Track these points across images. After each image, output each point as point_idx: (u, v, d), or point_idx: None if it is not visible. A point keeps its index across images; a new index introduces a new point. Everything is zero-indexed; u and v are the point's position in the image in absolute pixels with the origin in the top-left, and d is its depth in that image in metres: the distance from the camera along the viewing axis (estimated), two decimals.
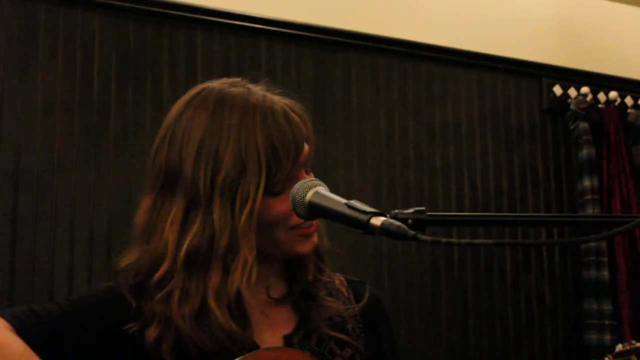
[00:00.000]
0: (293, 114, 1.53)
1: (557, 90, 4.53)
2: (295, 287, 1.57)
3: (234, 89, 1.55)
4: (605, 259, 4.32)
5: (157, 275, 1.47)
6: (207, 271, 1.46)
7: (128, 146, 3.58)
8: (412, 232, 1.21)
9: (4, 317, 1.43)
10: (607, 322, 4.24)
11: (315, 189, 1.37)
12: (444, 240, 1.16)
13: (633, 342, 1.74)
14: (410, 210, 1.27)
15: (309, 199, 1.36)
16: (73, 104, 3.51)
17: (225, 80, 1.60)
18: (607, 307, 4.26)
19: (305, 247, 1.54)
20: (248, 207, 1.44)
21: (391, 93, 4.19)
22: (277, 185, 1.48)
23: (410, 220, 1.25)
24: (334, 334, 1.60)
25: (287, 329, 1.59)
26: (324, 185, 1.40)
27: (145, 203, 1.56)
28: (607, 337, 4.22)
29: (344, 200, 1.32)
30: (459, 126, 4.33)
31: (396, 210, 1.28)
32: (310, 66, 3.88)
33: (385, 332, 1.73)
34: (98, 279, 3.41)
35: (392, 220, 1.23)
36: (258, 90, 1.56)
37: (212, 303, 1.45)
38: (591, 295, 4.30)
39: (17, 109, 3.41)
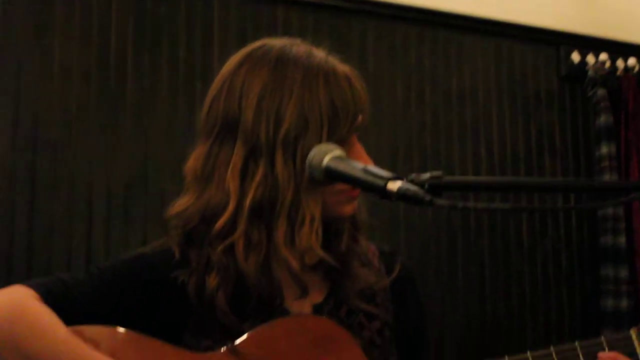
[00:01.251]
0: (354, 80, 1.54)
1: (575, 57, 4.49)
2: (329, 256, 1.56)
3: (295, 48, 1.56)
4: (623, 225, 4.30)
5: (220, 223, 1.47)
6: (272, 223, 1.47)
7: (145, 112, 3.58)
8: (428, 197, 1.21)
9: (32, 287, 1.44)
10: (623, 288, 4.24)
11: (332, 154, 1.37)
12: (460, 204, 1.16)
13: None
14: (427, 175, 1.28)
15: (326, 164, 1.36)
16: (90, 69, 3.51)
17: (284, 39, 1.60)
18: (624, 273, 4.25)
19: (347, 210, 1.54)
20: None
21: (408, 60, 4.17)
22: None
23: (426, 185, 1.26)
24: (363, 306, 1.60)
25: (318, 298, 1.59)
26: (342, 150, 1.40)
27: (198, 151, 1.56)
28: (624, 303, 4.22)
29: (361, 165, 1.32)
30: (476, 93, 4.31)
31: (413, 175, 1.28)
32: (326, 34, 3.87)
33: (414, 305, 1.73)
34: (116, 243, 3.43)
35: (408, 185, 1.24)
36: (320, 52, 1.57)
37: (285, 253, 1.46)
38: (608, 261, 4.29)
39: (34, 74, 3.42)
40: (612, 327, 4.18)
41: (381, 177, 1.27)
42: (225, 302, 1.47)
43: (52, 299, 1.43)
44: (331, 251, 1.55)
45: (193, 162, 1.56)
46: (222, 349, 1.47)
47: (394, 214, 3.96)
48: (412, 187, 1.23)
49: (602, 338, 1.61)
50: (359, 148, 1.55)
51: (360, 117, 1.53)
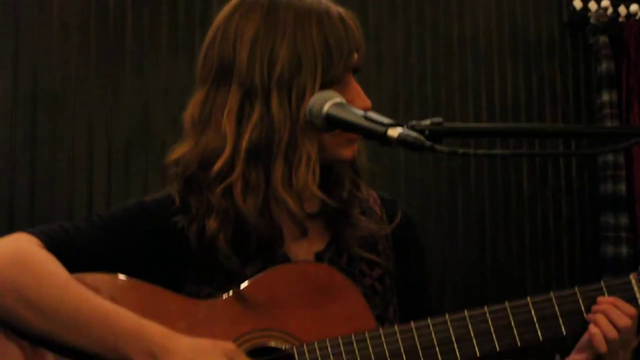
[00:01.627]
0: (348, 19, 1.54)
1: (577, 3, 4.45)
2: (330, 204, 1.56)
3: None
4: (623, 172, 4.31)
5: (217, 166, 1.48)
6: (270, 164, 1.48)
7: (144, 67, 3.58)
8: (429, 143, 1.21)
9: (34, 234, 1.45)
10: (623, 234, 4.25)
11: (332, 101, 1.36)
12: (460, 150, 1.16)
13: None
14: (427, 122, 1.28)
15: (326, 111, 1.36)
16: (89, 25, 3.50)
17: None
18: (624, 220, 4.26)
19: (347, 153, 1.55)
20: (305, 102, 1.45)
21: (408, 9, 4.15)
22: (328, 86, 1.48)
23: (427, 131, 1.26)
24: (364, 254, 1.61)
25: (319, 246, 1.60)
26: (342, 97, 1.39)
27: (196, 97, 1.57)
28: (624, 250, 4.23)
29: (361, 112, 1.32)
30: (477, 41, 4.29)
31: (413, 122, 1.28)
32: None
33: (415, 252, 1.74)
34: (116, 198, 3.45)
35: (409, 131, 1.24)
36: None
37: (282, 194, 1.47)
38: (608, 208, 4.30)
39: (33, 30, 3.41)
40: (612, 274, 4.19)
41: (382, 124, 1.27)
42: (227, 245, 1.48)
43: (54, 246, 1.45)
44: (332, 198, 1.56)
45: (191, 109, 1.57)
46: (225, 295, 1.48)
47: (395, 162, 3.97)
48: (413, 133, 1.23)
49: (602, 283, 1.61)
50: (355, 87, 1.55)
51: (355, 56, 1.53)
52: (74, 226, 1.50)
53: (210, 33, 1.59)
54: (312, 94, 1.45)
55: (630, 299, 1.61)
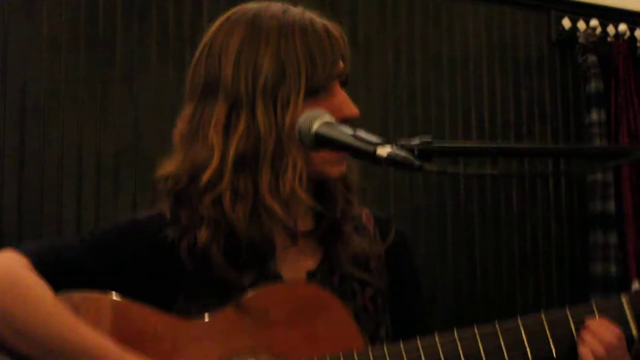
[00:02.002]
0: (332, 29, 1.55)
1: (566, 23, 4.47)
2: (323, 221, 1.57)
3: (272, 6, 1.57)
4: (612, 191, 4.32)
5: (205, 177, 1.48)
6: (257, 173, 1.48)
7: (134, 80, 3.57)
8: (418, 162, 1.21)
9: (25, 254, 1.44)
10: (612, 253, 4.26)
11: (321, 120, 1.36)
12: (449, 170, 1.16)
13: None
14: (417, 141, 1.27)
15: (315, 130, 1.35)
16: (79, 38, 3.49)
17: (263, 1, 1.61)
18: (613, 239, 4.27)
19: (334, 171, 1.54)
20: (290, 110, 1.45)
21: (398, 26, 4.16)
22: (314, 95, 1.49)
23: (416, 151, 1.26)
24: (357, 273, 1.60)
25: (311, 265, 1.59)
26: (331, 116, 1.39)
27: (184, 113, 1.57)
28: (613, 269, 4.24)
29: (350, 131, 1.32)
30: (467, 59, 4.30)
31: (402, 141, 1.28)
32: (317, 0, 3.86)
33: (409, 272, 1.74)
34: (105, 213, 3.43)
35: (398, 151, 1.24)
36: (297, 8, 1.57)
37: (269, 201, 1.47)
38: (597, 227, 4.31)
39: (22, 43, 3.40)
40: (601, 293, 4.20)
41: (370, 143, 1.27)
42: (220, 255, 1.48)
43: (44, 267, 1.43)
44: (325, 215, 1.56)
45: (179, 125, 1.57)
46: (211, 315, 1.48)
47: (384, 180, 3.97)
48: (402, 153, 1.23)
49: (593, 303, 1.60)
50: (342, 95, 1.54)
51: (340, 64, 1.53)
52: (65, 244, 1.50)
53: (198, 49, 1.60)
54: (297, 102, 1.46)
55: (622, 321, 1.60)
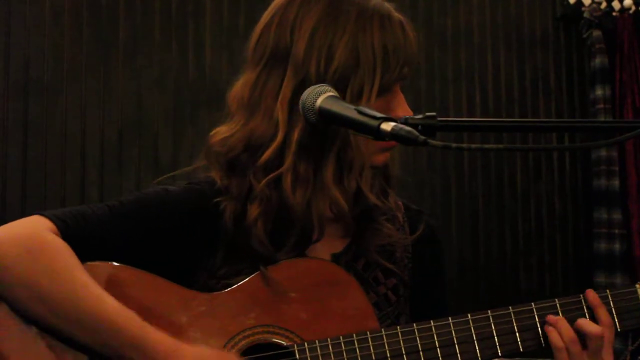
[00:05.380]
0: (408, 29, 1.54)
1: None
2: (356, 207, 1.55)
3: None
4: (616, 168, 4.30)
5: (266, 154, 1.46)
6: (320, 160, 1.47)
7: (137, 55, 3.56)
8: (422, 137, 1.21)
9: (50, 219, 1.42)
10: (616, 231, 4.25)
11: (325, 94, 1.35)
12: (454, 145, 1.16)
13: None
14: (421, 116, 1.27)
15: (319, 105, 1.34)
16: (82, 12, 3.48)
17: None
18: (617, 216, 4.26)
19: (379, 159, 1.54)
20: (362, 103, 1.43)
21: (402, 1, 4.12)
22: (382, 92, 1.48)
23: (420, 126, 1.25)
24: (381, 261, 1.60)
25: (338, 247, 1.59)
26: (334, 91, 1.38)
27: (245, 79, 1.55)
28: (616, 246, 4.23)
29: (353, 106, 1.31)
30: (471, 34, 4.28)
31: (406, 116, 1.27)
32: None
33: (435, 266, 1.73)
34: (109, 187, 3.43)
35: (402, 125, 1.23)
36: None
37: (335, 193, 1.46)
38: (601, 204, 4.30)
39: (25, 18, 3.39)
40: (605, 270, 4.20)
41: (375, 118, 1.26)
42: (264, 232, 1.47)
43: (69, 232, 1.41)
44: (359, 201, 1.54)
45: (239, 89, 1.54)
46: (229, 289, 1.48)
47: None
48: (406, 127, 1.22)
49: (556, 301, 1.60)
50: (401, 97, 1.54)
51: (407, 68, 1.52)
52: (92, 211, 1.46)
53: (265, 15, 1.56)
54: (369, 96, 1.45)
55: (635, 308, 1.60)
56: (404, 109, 1.53)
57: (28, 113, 3.37)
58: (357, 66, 1.46)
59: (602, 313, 1.57)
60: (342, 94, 1.43)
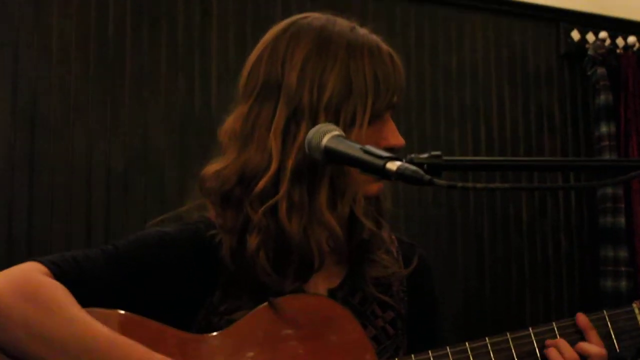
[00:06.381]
0: (396, 59, 1.57)
1: (575, 35, 4.47)
2: (352, 241, 1.56)
3: (340, 21, 1.58)
4: (622, 205, 4.30)
5: (261, 184, 1.47)
6: (314, 187, 1.48)
7: (144, 90, 3.57)
8: (427, 177, 1.21)
9: (44, 264, 1.42)
10: (622, 268, 4.23)
11: (331, 134, 1.36)
12: (459, 184, 1.16)
13: None
14: (426, 155, 1.28)
15: (325, 144, 1.35)
16: (89, 48, 3.50)
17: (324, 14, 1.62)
18: (623, 253, 4.25)
19: (372, 188, 1.55)
20: (355, 129, 1.46)
21: (407, 38, 4.15)
22: (376, 119, 1.50)
23: (426, 165, 1.26)
24: (378, 294, 1.60)
25: (334, 282, 1.59)
26: (340, 130, 1.39)
27: (237, 112, 1.56)
28: (623, 284, 4.21)
29: (359, 145, 1.32)
30: (476, 71, 4.30)
31: (412, 155, 1.28)
32: (325, 11, 3.84)
33: (429, 298, 1.75)
34: (115, 222, 3.43)
35: (408, 165, 1.24)
36: (363, 29, 1.60)
37: (328, 218, 1.47)
38: (607, 241, 4.29)
39: (32, 54, 3.41)
40: (612, 308, 4.18)
41: (380, 157, 1.27)
42: (267, 262, 1.47)
43: (64, 277, 1.41)
44: (354, 234, 1.55)
45: (231, 123, 1.56)
46: (226, 329, 1.47)
47: (394, 195, 3.95)
48: (411, 167, 1.23)
49: (554, 324, 1.62)
50: (392, 125, 1.56)
51: (396, 97, 1.54)
52: (86, 255, 1.47)
53: (256, 49, 1.59)
54: (362, 123, 1.47)
55: (633, 328, 1.61)
56: (395, 137, 1.55)
57: (34, 147, 3.37)
58: (349, 94, 1.47)
59: (592, 336, 1.59)
60: (335, 122, 1.45)
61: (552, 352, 1.58)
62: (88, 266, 1.45)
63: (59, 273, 1.41)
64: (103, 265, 1.46)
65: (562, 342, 1.58)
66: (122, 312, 1.44)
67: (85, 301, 1.40)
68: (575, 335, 1.60)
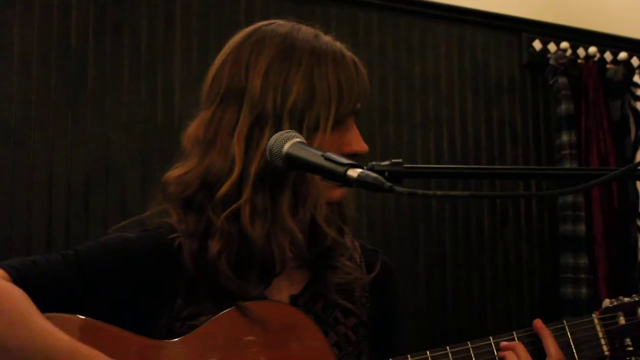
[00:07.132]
0: (360, 66, 1.58)
1: (537, 45, 4.52)
2: (315, 243, 1.57)
3: (304, 28, 1.59)
4: (582, 213, 4.34)
5: (224, 189, 1.47)
6: (277, 192, 1.48)
7: (106, 98, 3.54)
8: (388, 184, 1.21)
9: (2, 267, 1.40)
10: (583, 276, 4.27)
11: (292, 141, 1.36)
12: (420, 191, 1.16)
13: (620, 297, 1.74)
14: (387, 163, 1.28)
15: (286, 150, 1.35)
16: (50, 56, 3.47)
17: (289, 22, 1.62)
18: (583, 261, 4.29)
19: (335, 194, 1.56)
20: (318, 135, 1.47)
21: (370, 47, 4.17)
22: (338, 125, 1.51)
23: (387, 172, 1.26)
24: (340, 301, 1.61)
25: (296, 289, 1.59)
26: (302, 137, 1.39)
27: (200, 117, 1.56)
28: (583, 291, 4.25)
29: (320, 152, 1.32)
30: (439, 80, 4.32)
31: (373, 163, 1.28)
32: (289, 19, 3.85)
33: (392, 304, 1.75)
34: (75, 232, 3.40)
35: (369, 172, 1.24)
36: (327, 36, 1.60)
37: (290, 223, 1.47)
38: (567, 249, 4.33)
39: None
40: (571, 315, 4.22)
41: (341, 164, 1.27)
42: (229, 267, 1.47)
43: (22, 280, 1.39)
44: (316, 241, 1.56)
45: (194, 129, 1.56)
46: (186, 335, 1.46)
47: (357, 201, 3.96)
48: (372, 174, 1.23)
49: (514, 334, 1.64)
50: (355, 131, 1.57)
51: (359, 103, 1.56)
52: (46, 260, 1.45)
53: (220, 55, 1.59)
54: (325, 128, 1.48)
55: (592, 339, 1.62)
56: (358, 143, 1.56)
57: None
58: (313, 99, 1.48)
59: (550, 343, 1.62)
60: (299, 127, 1.46)
61: (508, 354, 1.60)
62: (48, 270, 1.43)
63: (18, 277, 1.39)
64: (63, 270, 1.45)
65: (519, 345, 1.60)
66: (83, 317, 1.43)
67: (45, 306, 1.38)
68: (536, 345, 1.61)
